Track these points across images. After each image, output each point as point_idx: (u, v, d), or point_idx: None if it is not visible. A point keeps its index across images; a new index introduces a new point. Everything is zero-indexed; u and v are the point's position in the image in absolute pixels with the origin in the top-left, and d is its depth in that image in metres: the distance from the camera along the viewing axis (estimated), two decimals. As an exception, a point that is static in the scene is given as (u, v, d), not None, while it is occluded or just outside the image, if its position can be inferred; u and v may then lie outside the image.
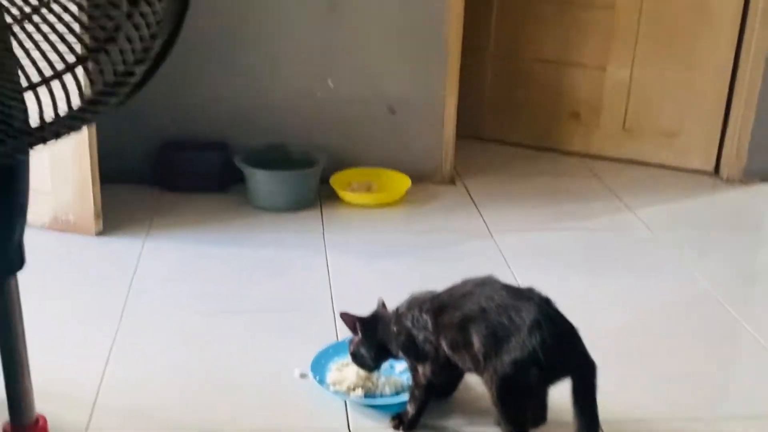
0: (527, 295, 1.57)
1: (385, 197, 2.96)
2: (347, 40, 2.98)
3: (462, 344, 1.58)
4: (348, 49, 2.99)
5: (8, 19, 1.01)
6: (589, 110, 3.48)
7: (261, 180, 2.85)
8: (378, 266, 2.50)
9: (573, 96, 3.49)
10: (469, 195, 3.08)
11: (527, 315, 1.51)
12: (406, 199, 2.98)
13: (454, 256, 2.60)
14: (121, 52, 1.06)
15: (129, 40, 1.05)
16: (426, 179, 3.12)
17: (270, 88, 3.00)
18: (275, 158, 2.96)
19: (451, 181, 3.17)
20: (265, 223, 2.76)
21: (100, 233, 2.58)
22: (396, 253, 2.60)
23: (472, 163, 3.35)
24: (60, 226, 2.56)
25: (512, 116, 3.59)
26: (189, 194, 2.93)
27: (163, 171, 2.96)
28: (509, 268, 2.47)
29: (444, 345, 1.61)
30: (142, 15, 1.03)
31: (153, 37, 1.07)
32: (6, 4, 0.99)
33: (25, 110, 1.10)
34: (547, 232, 2.80)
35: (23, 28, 1.01)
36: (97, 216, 2.56)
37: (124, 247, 2.54)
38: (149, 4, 1.03)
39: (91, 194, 2.52)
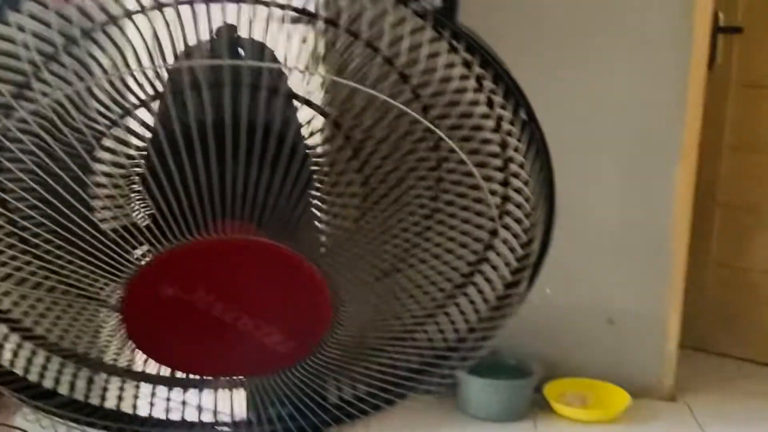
0: None
1: (602, 414, 2.81)
2: (566, 249, 2.94)
3: None
4: (567, 258, 2.95)
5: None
6: (823, 326, 3.22)
7: (473, 387, 2.80)
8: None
9: (805, 309, 3.25)
10: (693, 414, 2.87)
11: None
12: (623, 415, 2.82)
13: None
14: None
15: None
16: (644, 394, 2.94)
17: (485, 291, 3.00)
18: (488, 364, 2.89)
19: (672, 398, 2.97)
20: (477, 435, 2.69)
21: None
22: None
23: (694, 378, 3.13)
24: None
25: (738, 328, 3.37)
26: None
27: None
28: None
29: None
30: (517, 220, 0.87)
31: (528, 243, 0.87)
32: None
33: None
34: (786, 469, 2.55)
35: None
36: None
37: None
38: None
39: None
